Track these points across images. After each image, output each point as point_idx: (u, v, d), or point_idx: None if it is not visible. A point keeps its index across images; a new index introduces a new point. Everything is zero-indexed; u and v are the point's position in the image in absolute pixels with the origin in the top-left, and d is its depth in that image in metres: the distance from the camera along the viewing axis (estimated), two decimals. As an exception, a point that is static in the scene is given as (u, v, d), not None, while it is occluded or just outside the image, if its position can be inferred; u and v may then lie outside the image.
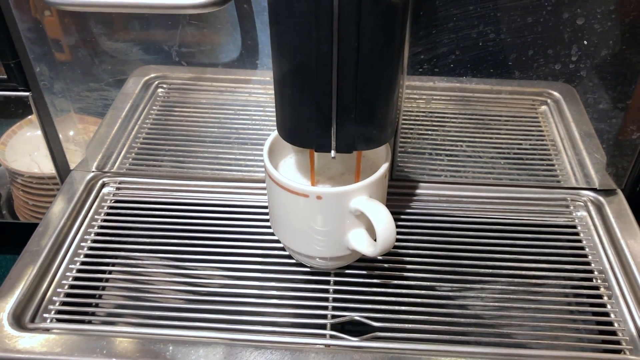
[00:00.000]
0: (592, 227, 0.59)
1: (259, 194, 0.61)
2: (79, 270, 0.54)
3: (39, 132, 0.68)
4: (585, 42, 0.51)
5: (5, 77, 0.60)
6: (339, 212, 0.47)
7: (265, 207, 0.59)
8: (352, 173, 0.52)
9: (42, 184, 0.79)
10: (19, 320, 0.49)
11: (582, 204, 0.61)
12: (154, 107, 0.62)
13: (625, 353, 0.47)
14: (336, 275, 0.53)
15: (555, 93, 0.56)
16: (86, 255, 0.56)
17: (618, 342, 0.48)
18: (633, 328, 0.49)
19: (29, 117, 0.67)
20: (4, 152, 0.74)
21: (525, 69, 0.54)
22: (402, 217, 0.59)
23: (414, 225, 0.58)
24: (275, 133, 0.51)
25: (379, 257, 0.54)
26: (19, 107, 0.64)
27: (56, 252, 0.55)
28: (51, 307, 0.51)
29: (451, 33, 0.51)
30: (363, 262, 0.54)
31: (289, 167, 0.53)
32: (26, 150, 0.73)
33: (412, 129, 0.59)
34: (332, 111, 0.43)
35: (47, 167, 0.72)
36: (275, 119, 0.47)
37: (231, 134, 0.61)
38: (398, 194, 0.61)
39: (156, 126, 0.63)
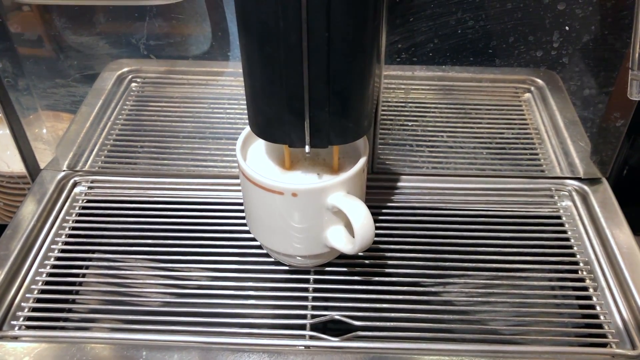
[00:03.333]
0: (577, 217, 0.58)
1: (236, 191, 0.59)
2: (49, 274, 0.52)
3: (7, 131, 0.66)
4: (566, 28, 0.49)
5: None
6: (315, 209, 0.45)
7: (242, 204, 0.57)
8: (329, 157, 0.50)
9: (12, 184, 0.77)
10: (-15, 328, 0.47)
11: (566, 193, 0.60)
12: (127, 103, 0.60)
13: (611, 346, 0.46)
14: (316, 273, 0.52)
15: (539, 80, 0.55)
16: (57, 259, 0.54)
17: (604, 335, 0.47)
18: (619, 320, 0.48)
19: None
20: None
21: (506, 56, 0.52)
22: (383, 211, 0.58)
23: (396, 219, 0.57)
24: (248, 129, 0.49)
25: (360, 254, 0.53)
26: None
27: (25, 256, 0.53)
28: (20, 313, 0.49)
29: (429, 20, 0.49)
30: (343, 259, 0.52)
31: (261, 155, 0.51)
32: (-1, 149, 0.71)
33: (391, 120, 0.57)
34: (304, 105, 0.41)
35: (17, 166, 0.70)
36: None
37: (206, 129, 0.59)
38: (379, 187, 0.60)
39: (129, 122, 0.61)
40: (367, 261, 0.53)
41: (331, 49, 0.39)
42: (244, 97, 0.56)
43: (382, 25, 0.49)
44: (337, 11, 0.37)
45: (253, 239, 0.54)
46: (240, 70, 0.53)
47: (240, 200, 0.58)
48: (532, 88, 0.56)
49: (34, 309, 0.50)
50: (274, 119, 0.43)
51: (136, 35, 0.52)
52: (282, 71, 0.40)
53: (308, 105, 0.41)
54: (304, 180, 0.48)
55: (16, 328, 0.48)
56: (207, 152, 0.60)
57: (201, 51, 0.52)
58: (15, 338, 0.47)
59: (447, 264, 0.53)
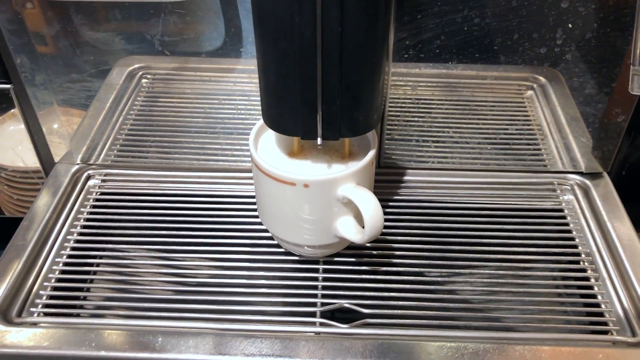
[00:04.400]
0: (578, 210, 0.59)
1: (246, 184, 0.61)
2: (65, 264, 0.54)
3: (22, 126, 0.68)
4: (569, 26, 0.51)
5: (-15, 69, 0.59)
6: (326, 200, 0.47)
7: (253, 197, 0.59)
8: (338, 147, 0.51)
9: (26, 178, 0.78)
10: (5, 314, 0.48)
11: (568, 187, 0.61)
12: (139, 98, 0.61)
13: (612, 334, 0.48)
14: (325, 263, 0.53)
15: (541, 78, 0.56)
16: (73, 249, 0.55)
17: (605, 323, 0.49)
18: (620, 309, 0.50)
19: (12, 110, 0.67)
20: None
21: (510, 53, 0.53)
22: (390, 204, 0.59)
23: (403, 212, 0.58)
24: (261, 121, 0.50)
25: (368, 244, 0.54)
26: (1, 100, 0.63)
27: (42, 246, 0.55)
28: (38, 301, 0.50)
29: (436, 18, 0.51)
30: (352, 249, 0.54)
31: (272, 146, 0.52)
32: (10, 144, 0.72)
33: (398, 116, 0.59)
34: (317, 98, 0.43)
35: (31, 160, 0.71)
36: (260, 107, 0.47)
37: (217, 124, 0.61)
38: (386, 181, 0.61)
39: (141, 117, 0.62)
40: (374, 252, 0.54)
41: (344, 44, 0.40)
42: (255, 93, 0.58)
43: (391, 22, 0.50)
44: (350, 8, 0.39)
45: (264, 231, 0.55)
46: (251, 67, 0.55)
47: (251, 193, 0.60)
48: (535, 85, 0.58)
49: (51, 297, 0.51)
50: (287, 112, 0.44)
51: (151, 31, 0.53)
52: (296, 65, 0.41)
53: (321, 99, 0.43)
54: (314, 169, 0.49)
55: (35, 315, 0.49)
56: (218, 146, 0.61)
57: (214, 48, 0.54)
58: (34, 324, 0.48)
59: (452, 254, 0.54)
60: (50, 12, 0.52)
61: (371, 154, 0.48)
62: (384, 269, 0.53)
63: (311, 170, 0.49)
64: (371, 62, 0.42)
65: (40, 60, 0.56)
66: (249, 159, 0.61)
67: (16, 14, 0.52)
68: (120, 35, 0.54)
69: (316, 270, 0.53)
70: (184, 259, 0.55)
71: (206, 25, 0.52)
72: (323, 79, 0.42)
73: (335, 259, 0.54)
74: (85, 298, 0.53)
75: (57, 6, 0.52)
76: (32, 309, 0.50)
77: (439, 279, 0.53)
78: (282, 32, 0.40)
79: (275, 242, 0.55)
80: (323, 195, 0.47)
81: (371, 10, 0.39)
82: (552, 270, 0.54)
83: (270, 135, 0.52)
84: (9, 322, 0.48)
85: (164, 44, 0.54)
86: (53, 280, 0.52)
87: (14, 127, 0.71)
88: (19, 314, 0.49)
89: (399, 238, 0.55)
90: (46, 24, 0.53)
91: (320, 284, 0.52)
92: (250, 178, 0.60)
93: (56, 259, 0.54)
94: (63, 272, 0.53)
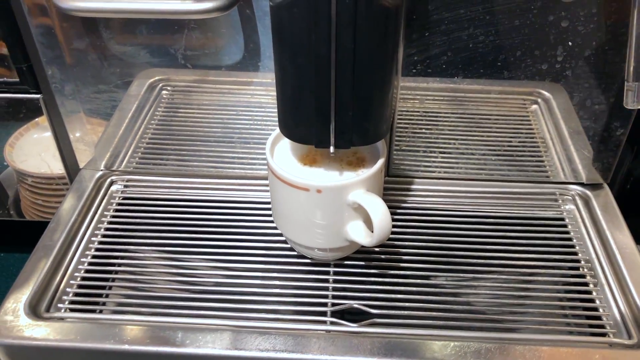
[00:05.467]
0: (579, 220, 0.62)
1: (261, 190, 0.64)
2: (90, 264, 0.57)
3: (46, 134, 0.71)
4: (570, 43, 0.54)
5: (18, 80, 0.63)
6: (337, 205, 0.50)
7: (267, 203, 0.62)
8: (348, 155, 0.54)
9: (49, 184, 0.81)
10: (34, 310, 0.51)
11: (570, 197, 0.64)
12: (159, 108, 0.65)
13: (609, 336, 0.50)
14: (335, 266, 0.56)
15: (546, 92, 0.59)
16: (96, 249, 0.58)
17: (603, 326, 0.51)
18: (617, 313, 0.52)
19: (36, 119, 0.70)
20: (12, 154, 0.77)
21: (514, 69, 0.56)
22: (398, 211, 0.62)
23: (410, 218, 0.61)
24: (276, 131, 0.53)
25: (376, 249, 0.57)
26: (29, 109, 0.67)
27: (68, 246, 0.58)
28: (65, 297, 0.54)
29: (443, 35, 0.54)
30: (361, 253, 0.57)
31: (286, 154, 0.55)
32: (34, 151, 0.75)
33: (406, 127, 0.62)
34: (330, 109, 0.46)
35: (55, 167, 0.74)
36: (276, 118, 0.50)
37: (233, 134, 0.64)
38: (394, 189, 0.64)
39: (161, 126, 0.65)
40: (383, 256, 0.57)
41: (356, 60, 0.43)
42: (270, 105, 0.61)
43: (400, 40, 0.53)
44: (362, 28, 0.42)
45: (278, 234, 0.58)
46: (268, 80, 0.59)
47: (265, 199, 0.63)
48: (539, 100, 0.60)
49: (77, 294, 0.54)
50: (302, 122, 0.47)
51: (175, 45, 0.57)
52: (311, 79, 0.44)
53: (334, 110, 0.46)
54: (326, 176, 0.52)
55: (62, 310, 0.52)
56: (234, 154, 0.65)
57: (233, 62, 0.57)
58: (61, 319, 0.51)
59: (457, 259, 0.57)
60: (81, 27, 0.56)
61: (380, 162, 0.51)
62: (392, 272, 0.55)
63: (324, 176, 0.52)
64: (381, 77, 0.45)
65: (70, 71, 0.59)
66: (263, 166, 0.64)
67: (49, 28, 0.56)
68: (146, 49, 0.57)
69: (327, 273, 0.56)
70: (201, 260, 0.58)
71: (226, 41, 0.56)
72: (336, 92, 0.45)
73: (346, 262, 0.56)
74: (107, 296, 0.56)
75: (88, 21, 0.56)
76: (60, 305, 0.53)
77: (444, 282, 0.56)
78: (299, 49, 0.43)
79: (288, 245, 0.58)
80: (335, 201, 0.50)
81: (382, 29, 0.42)
82: (553, 275, 0.56)
83: (285, 143, 0.55)
84: (38, 316, 0.51)
85: (186, 57, 0.58)
86: (78, 279, 0.55)
87: (38, 135, 0.74)
88: (47, 309, 0.52)
89: (407, 243, 0.58)
90: (77, 38, 0.57)
91: (331, 285, 0.54)
92: (265, 185, 0.63)
93: (81, 259, 0.57)
94: (87, 271, 0.56)
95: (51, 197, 0.83)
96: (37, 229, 0.60)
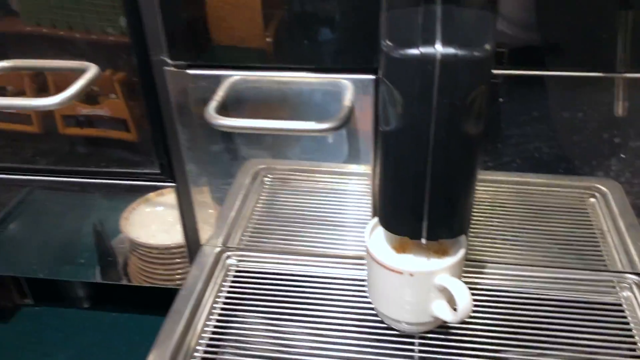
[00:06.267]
0: (636, 306, 0.69)
1: (355, 269, 0.75)
2: (214, 326, 0.69)
3: (157, 209, 0.85)
4: (622, 156, 0.64)
5: (159, 171, 0.77)
6: (426, 287, 0.60)
7: (359, 280, 0.73)
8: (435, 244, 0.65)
9: (158, 254, 0.94)
10: (174, 364, 0.63)
11: (627, 285, 0.72)
12: (263, 194, 0.78)
13: (664, 413, 0.57)
14: (420, 338, 0.66)
15: (603, 188, 0.69)
16: (219, 314, 0.70)
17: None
18: (672, 395, 0.59)
19: (146, 196, 0.84)
20: (127, 225, 0.90)
21: (574, 168, 0.66)
22: (473, 291, 0.71)
23: (482, 298, 0.70)
24: (374, 220, 0.65)
25: (456, 324, 0.67)
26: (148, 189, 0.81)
27: (195, 311, 0.70)
28: (196, 354, 0.65)
29: (512, 147, 0.65)
30: (443, 327, 0.66)
31: (381, 240, 0.67)
32: (145, 224, 0.89)
33: (480, 216, 0.72)
34: (424, 210, 0.57)
35: (162, 239, 0.87)
36: (369, 205, 0.61)
37: (330, 217, 0.76)
38: (470, 272, 0.74)
39: (267, 209, 0.78)
40: (460, 330, 0.66)
41: (446, 173, 0.55)
42: (365, 193, 0.73)
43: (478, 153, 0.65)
44: (452, 148, 0.54)
45: (368, 308, 0.69)
46: (367, 171, 0.71)
47: (357, 276, 0.74)
48: (597, 194, 0.70)
49: (206, 351, 0.66)
50: (400, 218, 0.59)
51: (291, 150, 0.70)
52: (409, 185, 0.56)
53: (427, 210, 0.57)
54: (416, 262, 0.63)
55: (195, 365, 0.64)
56: (333, 235, 0.76)
57: (339, 161, 0.70)
58: (194, 374, 0.63)
59: (524, 336, 0.65)
60: (217, 133, 0.70)
61: (462, 251, 0.61)
62: (469, 345, 0.65)
63: (414, 262, 0.63)
64: (465, 185, 0.57)
65: (204, 167, 0.73)
66: (354, 247, 0.76)
67: (194, 134, 0.70)
68: (267, 151, 0.71)
69: (412, 344, 0.65)
70: (299, 327, 0.68)
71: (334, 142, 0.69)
72: (430, 195, 0.56)
73: (429, 335, 0.66)
74: (234, 354, 0.67)
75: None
76: (192, 360, 0.65)
77: (514, 356, 0.64)
78: (401, 162, 0.55)
79: (378, 318, 0.68)
80: (424, 283, 0.60)
81: (467, 151, 0.54)
82: (613, 355, 0.64)
83: (380, 231, 0.67)
84: (177, 371, 0.63)
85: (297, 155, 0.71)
86: (206, 339, 0.67)
87: (150, 209, 0.88)
88: (183, 364, 0.64)
89: (480, 320, 0.67)
90: (213, 143, 0.71)
91: (416, 355, 0.64)
92: (358, 264, 0.75)
93: (207, 322, 0.69)
94: (213, 332, 0.68)
95: (157, 265, 0.95)
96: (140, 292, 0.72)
